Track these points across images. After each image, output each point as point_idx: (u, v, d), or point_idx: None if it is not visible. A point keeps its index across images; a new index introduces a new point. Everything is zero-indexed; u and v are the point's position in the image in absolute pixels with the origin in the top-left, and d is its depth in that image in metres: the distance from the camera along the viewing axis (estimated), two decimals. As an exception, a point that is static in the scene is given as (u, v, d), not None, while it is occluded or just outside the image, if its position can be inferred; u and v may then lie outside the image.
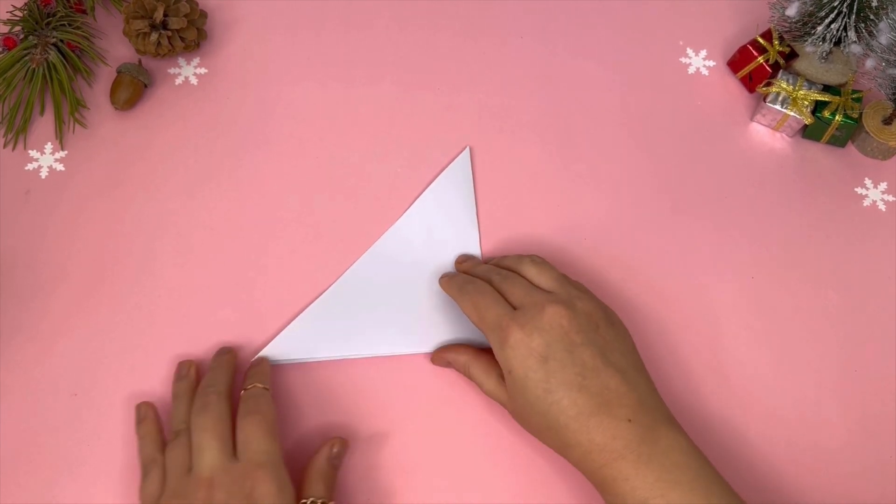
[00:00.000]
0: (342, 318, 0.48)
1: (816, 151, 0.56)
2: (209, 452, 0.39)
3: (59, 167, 0.53)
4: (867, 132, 0.54)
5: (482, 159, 0.54)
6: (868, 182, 0.55)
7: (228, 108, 0.56)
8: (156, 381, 0.46)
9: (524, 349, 0.40)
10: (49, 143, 0.54)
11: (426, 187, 0.52)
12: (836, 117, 0.54)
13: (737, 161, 0.55)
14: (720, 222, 0.53)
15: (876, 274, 0.51)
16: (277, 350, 0.47)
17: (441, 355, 0.46)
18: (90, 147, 0.54)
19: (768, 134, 0.56)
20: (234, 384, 0.44)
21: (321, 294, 0.48)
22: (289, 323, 0.48)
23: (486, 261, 0.49)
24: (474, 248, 0.51)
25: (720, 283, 0.51)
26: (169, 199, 0.52)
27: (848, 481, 0.44)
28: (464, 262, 0.49)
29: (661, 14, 0.61)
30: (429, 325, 0.48)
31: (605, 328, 0.42)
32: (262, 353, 0.46)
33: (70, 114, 0.54)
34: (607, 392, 0.39)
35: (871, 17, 0.50)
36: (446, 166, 0.53)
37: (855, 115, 0.54)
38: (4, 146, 0.53)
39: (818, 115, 0.54)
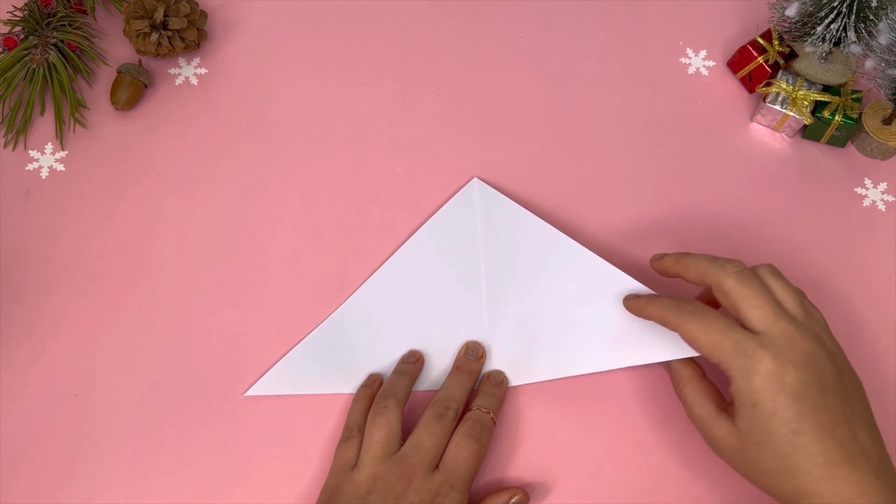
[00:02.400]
0: (339, 350, 0.47)
1: (816, 151, 0.56)
2: (429, 453, 0.40)
3: (60, 167, 0.53)
4: (867, 132, 0.54)
5: (482, 159, 0.54)
6: (868, 182, 0.55)
7: (229, 107, 0.56)
8: (156, 381, 0.46)
9: (776, 383, 0.36)
10: (49, 144, 0.54)
11: (429, 215, 0.51)
12: (836, 117, 0.54)
13: (737, 161, 0.55)
14: (720, 222, 0.53)
15: (876, 274, 0.51)
16: (272, 383, 0.46)
17: (651, 313, 0.41)
18: (90, 147, 0.54)
19: (768, 134, 0.57)
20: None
21: (323, 321, 0.48)
22: (289, 322, 0.48)
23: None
24: (479, 286, 0.48)
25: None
26: (169, 198, 0.52)
27: None
28: (662, 257, 0.44)
29: (661, 14, 0.61)
30: (431, 365, 0.47)
31: (849, 376, 0.39)
32: (258, 385, 0.46)
33: (70, 114, 0.54)
34: (855, 445, 0.36)
35: (871, 17, 0.50)
36: (453, 194, 0.52)
37: (855, 116, 0.54)
38: (4, 146, 0.53)
39: (818, 115, 0.54)
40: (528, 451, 0.44)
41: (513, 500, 0.41)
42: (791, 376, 0.36)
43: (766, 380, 0.36)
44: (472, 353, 0.46)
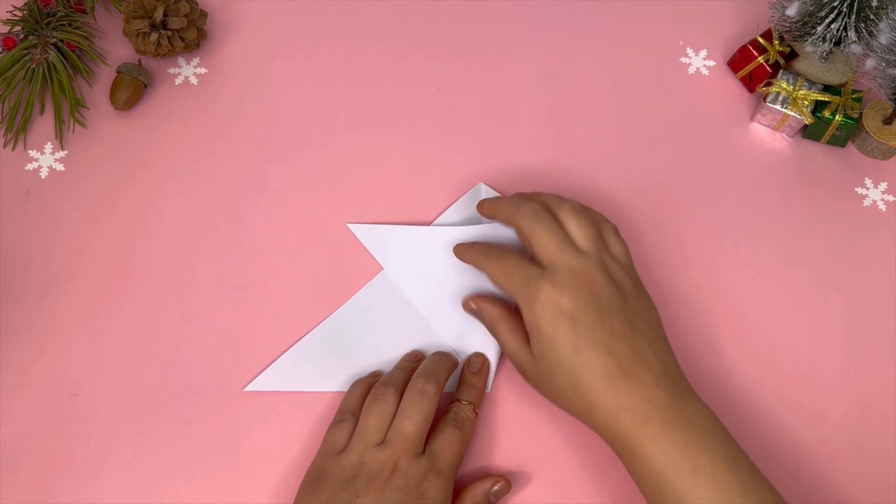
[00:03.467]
0: (339, 349, 0.47)
1: (816, 151, 0.56)
2: (413, 439, 0.40)
3: (59, 167, 0.53)
4: (867, 132, 0.54)
5: (482, 159, 0.54)
6: (868, 182, 0.55)
7: (228, 108, 0.56)
8: (156, 381, 0.46)
9: (554, 308, 0.40)
10: (49, 143, 0.54)
11: (428, 214, 0.52)
12: (836, 117, 0.54)
13: (737, 161, 0.55)
14: (720, 222, 0.53)
15: (876, 274, 0.51)
16: (273, 378, 0.46)
17: (473, 301, 0.45)
18: (90, 147, 0.54)
19: (768, 134, 0.56)
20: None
21: (322, 320, 0.48)
22: (289, 321, 0.48)
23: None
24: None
25: (720, 282, 0.51)
26: (169, 198, 0.52)
27: (848, 481, 0.44)
28: (485, 202, 0.47)
29: (661, 14, 0.61)
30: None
31: (635, 300, 0.42)
32: (258, 379, 0.46)
33: (70, 114, 0.54)
34: (635, 358, 0.39)
35: (871, 17, 0.50)
36: (452, 194, 0.53)
37: (855, 115, 0.54)
38: (4, 146, 0.53)
39: (818, 115, 0.54)
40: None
41: (495, 488, 0.42)
42: (567, 301, 0.40)
43: (544, 306, 0.40)
44: None
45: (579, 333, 0.39)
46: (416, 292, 0.49)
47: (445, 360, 0.45)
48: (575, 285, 0.40)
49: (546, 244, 0.42)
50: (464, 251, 0.46)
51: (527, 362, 0.42)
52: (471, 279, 0.48)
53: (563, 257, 0.41)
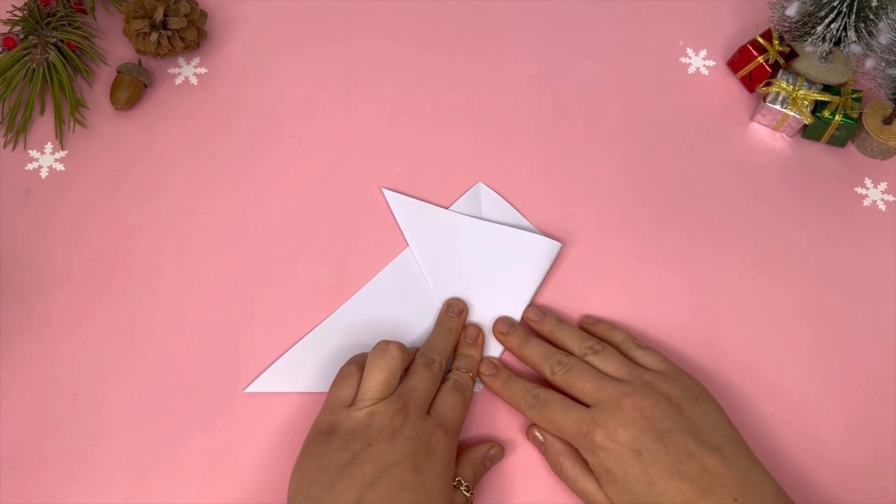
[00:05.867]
0: (340, 349, 0.47)
1: (816, 151, 0.56)
2: (422, 397, 0.41)
3: (59, 167, 0.53)
4: (867, 132, 0.54)
5: (482, 159, 0.54)
6: (868, 182, 0.55)
7: (228, 108, 0.56)
8: (156, 381, 0.46)
9: (614, 447, 0.40)
10: (49, 143, 0.54)
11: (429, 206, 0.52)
12: (836, 117, 0.54)
13: (737, 161, 0.55)
14: (720, 222, 0.53)
15: (876, 274, 0.51)
16: (273, 380, 0.46)
17: (539, 433, 0.44)
18: (90, 147, 0.54)
19: (768, 134, 0.56)
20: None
21: (322, 321, 0.48)
22: (289, 321, 0.48)
23: (530, 323, 0.48)
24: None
25: (720, 282, 0.51)
26: (169, 198, 0.52)
27: (847, 481, 0.44)
28: (507, 333, 0.47)
29: (661, 14, 0.61)
30: None
31: (689, 407, 0.41)
32: (258, 381, 0.46)
33: (70, 114, 0.54)
34: (707, 475, 0.38)
35: (871, 17, 0.50)
36: (452, 194, 0.53)
37: (855, 115, 0.54)
38: (4, 146, 0.53)
39: (818, 115, 0.54)
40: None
41: (491, 452, 0.44)
42: (623, 435, 0.40)
43: (604, 448, 0.40)
44: (453, 310, 0.48)
45: (646, 465, 0.39)
46: (435, 273, 0.49)
47: (450, 338, 0.46)
48: (625, 416, 0.40)
49: (583, 387, 0.42)
50: (503, 389, 0.45)
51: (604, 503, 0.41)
52: (492, 273, 0.49)
53: (605, 393, 0.42)
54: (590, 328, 0.48)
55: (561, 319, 0.48)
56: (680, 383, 0.42)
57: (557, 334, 0.47)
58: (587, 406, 0.42)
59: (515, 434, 0.46)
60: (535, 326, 0.48)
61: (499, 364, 0.46)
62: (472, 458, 0.43)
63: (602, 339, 0.46)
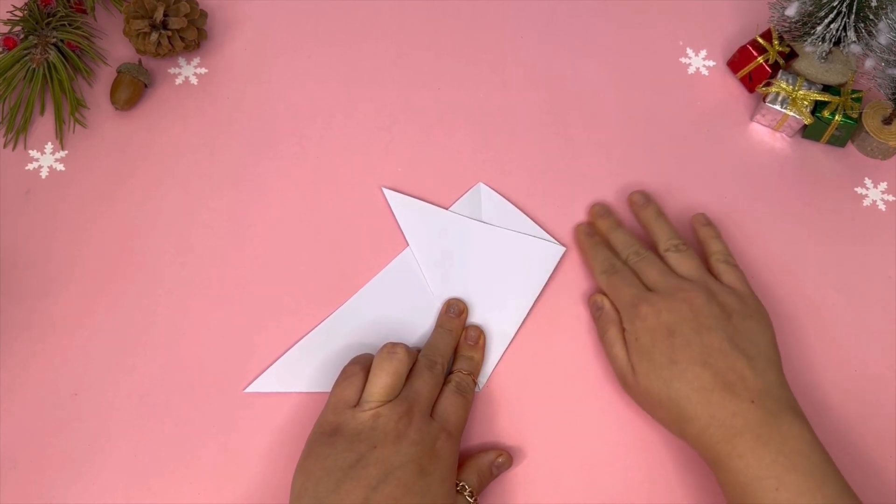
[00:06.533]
0: (340, 349, 0.47)
1: (816, 151, 0.56)
2: (426, 400, 0.42)
3: (60, 167, 0.53)
4: (867, 132, 0.54)
5: (482, 159, 0.54)
6: (868, 182, 0.55)
7: (229, 107, 0.56)
8: (156, 380, 0.46)
9: (653, 321, 0.42)
10: (49, 143, 0.54)
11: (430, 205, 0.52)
12: (836, 117, 0.54)
13: (737, 161, 0.55)
14: (720, 222, 0.53)
15: (876, 274, 0.51)
16: (273, 379, 0.46)
17: (600, 298, 0.47)
18: (90, 147, 0.54)
19: (768, 134, 0.57)
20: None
21: (323, 321, 0.48)
22: (289, 321, 0.48)
23: (633, 206, 0.51)
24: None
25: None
26: (169, 198, 0.52)
27: (848, 479, 0.44)
28: (602, 215, 0.51)
29: (661, 14, 0.62)
30: None
31: (740, 319, 0.43)
32: (258, 381, 0.46)
33: (70, 114, 0.54)
34: (732, 373, 0.40)
35: (871, 17, 0.50)
36: (452, 194, 0.53)
37: (855, 115, 0.54)
38: (4, 146, 0.53)
39: (818, 115, 0.54)
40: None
41: (499, 460, 0.44)
42: (665, 316, 0.42)
43: (644, 319, 0.43)
44: (454, 310, 0.48)
45: (675, 346, 0.41)
46: (435, 273, 0.49)
47: (450, 339, 0.47)
48: (674, 303, 0.43)
49: (649, 273, 0.46)
50: (590, 252, 0.49)
51: (627, 372, 0.43)
52: (493, 275, 0.49)
53: (667, 281, 0.45)
54: (697, 227, 0.50)
55: (661, 211, 0.50)
56: (743, 301, 0.44)
57: (653, 223, 0.49)
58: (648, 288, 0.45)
59: (518, 439, 0.45)
60: (635, 210, 0.51)
61: (595, 230, 0.50)
62: (478, 465, 0.43)
63: (700, 243, 0.49)
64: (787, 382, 0.42)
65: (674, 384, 0.41)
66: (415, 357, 0.44)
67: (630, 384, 0.43)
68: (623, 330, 0.45)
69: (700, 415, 0.40)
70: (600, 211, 0.51)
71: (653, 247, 0.49)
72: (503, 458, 0.44)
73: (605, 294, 0.47)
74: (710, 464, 0.40)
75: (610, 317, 0.46)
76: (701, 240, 0.49)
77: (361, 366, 0.43)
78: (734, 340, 0.41)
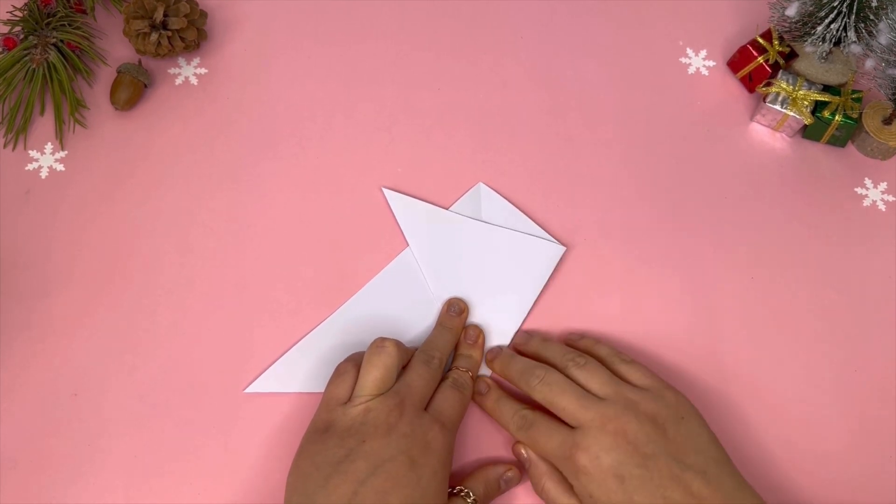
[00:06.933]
0: (340, 349, 0.47)
1: (816, 151, 0.56)
2: (419, 393, 0.41)
3: (60, 167, 0.53)
4: (867, 132, 0.54)
5: (482, 159, 0.54)
6: (868, 182, 0.55)
7: (228, 108, 0.56)
8: (156, 380, 0.46)
9: (596, 472, 0.39)
10: (49, 143, 0.54)
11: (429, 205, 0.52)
12: (836, 117, 0.54)
13: (737, 161, 0.55)
14: (720, 222, 0.53)
15: (876, 274, 0.51)
16: (273, 379, 0.46)
17: (524, 450, 0.43)
18: (90, 147, 0.54)
19: (768, 134, 0.56)
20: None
21: (322, 321, 0.48)
22: (289, 321, 0.48)
23: (517, 347, 0.48)
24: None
25: (720, 283, 0.51)
26: (169, 198, 0.52)
27: (847, 482, 0.44)
28: (492, 358, 0.47)
29: (661, 14, 0.61)
30: None
31: (674, 428, 0.40)
32: (258, 381, 0.46)
33: (70, 114, 0.54)
34: (692, 498, 0.38)
35: (871, 17, 0.50)
36: (452, 194, 0.53)
37: (855, 115, 0.54)
38: (4, 146, 0.53)
39: (818, 115, 0.54)
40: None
41: (508, 474, 0.43)
42: (606, 460, 0.39)
43: (587, 473, 0.39)
44: (454, 309, 0.48)
45: (629, 491, 0.38)
46: (435, 273, 0.49)
47: (450, 337, 0.46)
48: (608, 440, 0.39)
49: (566, 408, 0.41)
50: (482, 401, 0.45)
51: None
52: (494, 275, 0.49)
53: (587, 414, 0.40)
54: (574, 343, 0.47)
55: (546, 338, 0.47)
56: (665, 401, 0.41)
57: (542, 352, 0.46)
58: (572, 427, 0.41)
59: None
60: (521, 349, 0.47)
61: (491, 383, 0.46)
62: (486, 476, 0.42)
63: (587, 354, 0.45)
64: (741, 474, 0.40)
65: None
66: (408, 353, 0.44)
67: None
68: (560, 480, 0.41)
69: None
70: (520, 340, 0.48)
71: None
72: (512, 473, 0.43)
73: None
74: None
75: (540, 469, 0.42)
76: (586, 351, 0.46)
77: (353, 363, 0.43)
78: (679, 459, 0.39)
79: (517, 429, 0.43)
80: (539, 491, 0.42)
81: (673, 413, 0.41)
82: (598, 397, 0.41)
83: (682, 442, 0.40)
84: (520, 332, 0.48)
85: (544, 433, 0.42)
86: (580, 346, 0.46)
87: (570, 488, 0.41)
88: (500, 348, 0.47)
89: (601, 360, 0.44)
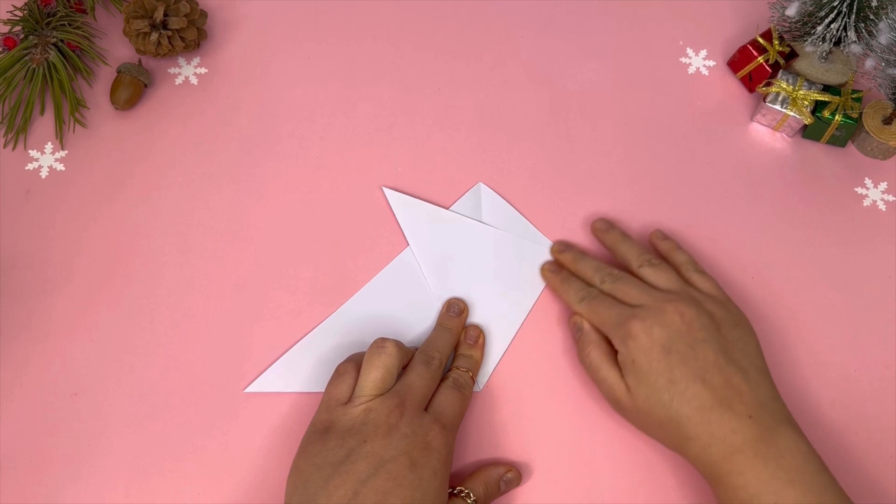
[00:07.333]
0: (340, 349, 0.47)
1: (816, 151, 0.56)
2: (419, 394, 0.41)
3: (60, 167, 0.53)
4: (867, 132, 0.54)
5: (482, 159, 0.54)
6: (868, 182, 0.55)
7: (228, 107, 0.56)
8: (156, 380, 0.46)
9: (647, 340, 0.41)
10: (49, 143, 0.54)
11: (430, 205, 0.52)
12: (836, 117, 0.54)
13: (737, 161, 0.55)
14: (720, 222, 0.53)
15: (876, 274, 0.51)
16: (273, 379, 0.46)
17: (579, 318, 0.46)
18: (90, 147, 0.54)
19: (768, 134, 0.56)
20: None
21: (322, 321, 0.48)
22: (289, 321, 0.48)
23: (597, 234, 0.50)
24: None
25: (720, 283, 0.50)
26: (169, 198, 0.52)
27: (847, 482, 0.44)
28: (563, 251, 0.49)
29: (661, 14, 0.61)
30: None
31: (729, 329, 0.42)
32: (258, 381, 0.46)
33: (70, 114, 0.54)
34: (729, 388, 0.40)
35: (871, 17, 0.50)
36: (452, 193, 0.53)
37: (855, 115, 0.54)
38: (4, 146, 0.53)
39: (818, 115, 0.54)
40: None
41: (508, 475, 0.43)
42: (658, 332, 0.41)
43: (637, 339, 0.42)
44: (454, 309, 0.48)
45: (673, 364, 0.40)
46: (435, 273, 0.49)
47: (450, 337, 0.46)
48: (665, 318, 0.42)
49: (630, 291, 0.44)
50: (556, 285, 0.48)
51: (622, 395, 0.42)
52: (493, 275, 0.49)
53: (650, 295, 0.44)
54: (656, 243, 0.49)
55: (626, 234, 0.49)
56: (727, 308, 0.44)
57: (620, 246, 0.48)
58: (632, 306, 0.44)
59: (518, 438, 0.45)
60: (600, 236, 0.50)
61: (561, 265, 0.49)
62: (486, 476, 0.43)
63: (665, 257, 0.48)
64: (777, 389, 0.42)
65: (674, 405, 0.40)
66: (408, 353, 0.44)
67: (626, 407, 0.42)
68: (607, 351, 0.44)
69: (700, 434, 0.39)
70: (561, 247, 0.50)
71: (624, 269, 0.47)
72: (512, 474, 0.43)
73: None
74: (710, 481, 0.40)
75: (590, 338, 0.45)
76: (664, 254, 0.49)
77: (353, 363, 0.43)
78: (727, 352, 0.41)
79: (579, 300, 0.46)
80: (583, 358, 0.45)
81: (732, 319, 0.43)
82: (662, 289, 0.44)
83: (733, 342, 0.42)
84: (600, 219, 0.51)
85: (605, 304, 0.44)
86: (661, 247, 0.49)
87: (614, 359, 0.43)
88: (567, 242, 0.50)
89: (676, 267, 0.47)
